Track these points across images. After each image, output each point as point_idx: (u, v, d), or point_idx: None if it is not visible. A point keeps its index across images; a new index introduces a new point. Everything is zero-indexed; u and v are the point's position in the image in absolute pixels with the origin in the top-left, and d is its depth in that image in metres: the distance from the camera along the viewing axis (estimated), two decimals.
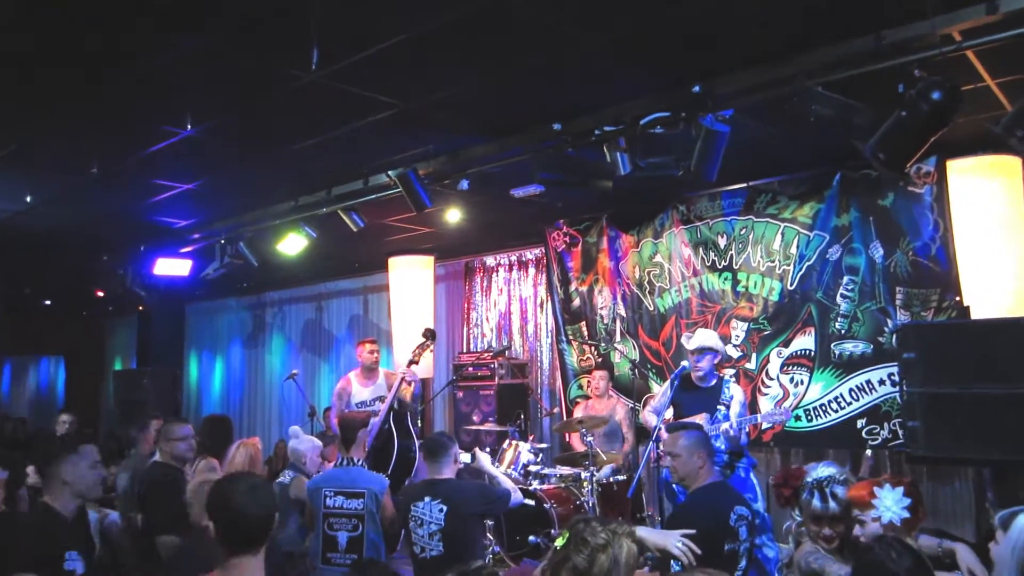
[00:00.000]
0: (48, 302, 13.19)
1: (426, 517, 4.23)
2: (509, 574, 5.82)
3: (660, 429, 5.79)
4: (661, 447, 5.69)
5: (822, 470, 3.22)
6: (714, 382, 5.83)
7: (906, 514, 2.86)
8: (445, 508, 4.21)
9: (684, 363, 6.36)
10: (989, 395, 3.78)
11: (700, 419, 5.39)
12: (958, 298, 5.82)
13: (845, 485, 3.16)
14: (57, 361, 16.10)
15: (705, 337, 5.96)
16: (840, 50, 4.17)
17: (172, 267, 8.78)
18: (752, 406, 6.74)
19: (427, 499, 4.27)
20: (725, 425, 5.51)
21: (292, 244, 7.40)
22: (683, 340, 6.52)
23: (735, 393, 5.79)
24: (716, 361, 5.89)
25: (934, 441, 3.95)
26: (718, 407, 5.64)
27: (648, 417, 6.19)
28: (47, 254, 9.50)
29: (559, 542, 2.30)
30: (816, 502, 3.13)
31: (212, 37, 4.03)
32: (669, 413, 5.89)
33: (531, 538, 6.07)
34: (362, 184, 6.57)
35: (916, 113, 3.89)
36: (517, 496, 4.55)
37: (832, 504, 3.11)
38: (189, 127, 5.30)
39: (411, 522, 4.27)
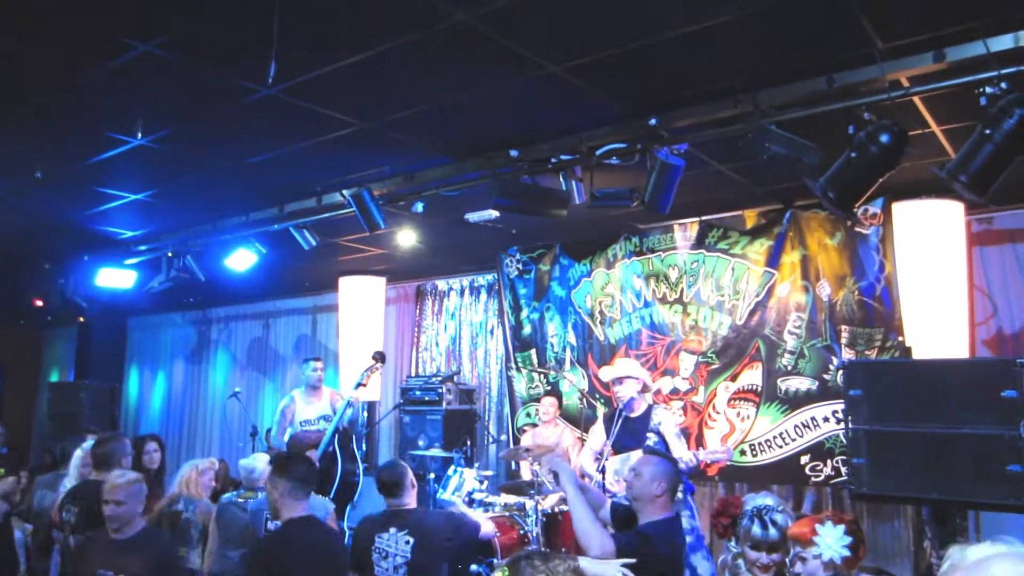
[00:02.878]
0: None
1: (391, 549, 4.08)
2: None
3: (601, 474, 5.77)
4: (607, 480, 5.69)
5: (761, 500, 3.23)
6: (642, 410, 5.86)
7: (847, 552, 2.86)
8: (412, 540, 4.06)
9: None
10: (933, 434, 3.82)
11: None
12: (901, 338, 5.94)
13: (784, 514, 3.18)
14: None
15: (623, 365, 6.03)
16: (793, 90, 4.26)
17: (115, 278, 8.54)
18: (698, 439, 6.78)
19: (392, 530, 4.12)
20: (683, 457, 5.55)
21: (241, 260, 7.26)
22: (602, 371, 6.55)
23: (663, 419, 5.83)
24: (638, 387, 5.92)
25: (878, 479, 3.98)
26: (647, 434, 5.68)
27: (585, 461, 6.18)
28: None
29: None
30: (756, 528, 3.13)
31: (166, 44, 3.95)
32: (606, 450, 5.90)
33: (472, 567, 5.97)
34: (315, 202, 6.50)
35: (865, 155, 3.99)
36: (488, 529, 4.47)
37: (772, 531, 3.11)
38: (140, 136, 5.18)
39: (374, 554, 4.12)
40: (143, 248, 8.23)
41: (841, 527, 2.90)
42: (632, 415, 5.87)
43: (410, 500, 4.31)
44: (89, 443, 5.27)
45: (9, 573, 6.10)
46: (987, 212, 6.07)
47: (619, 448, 5.81)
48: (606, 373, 6.06)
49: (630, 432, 5.75)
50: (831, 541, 2.87)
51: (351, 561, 4.26)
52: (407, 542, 4.07)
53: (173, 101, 4.72)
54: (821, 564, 2.90)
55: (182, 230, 7.74)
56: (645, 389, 6.11)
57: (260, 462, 5.28)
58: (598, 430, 6.20)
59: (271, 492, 3.83)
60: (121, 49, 3.99)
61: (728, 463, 6.49)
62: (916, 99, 4.31)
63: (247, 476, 5.27)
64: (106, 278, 8.44)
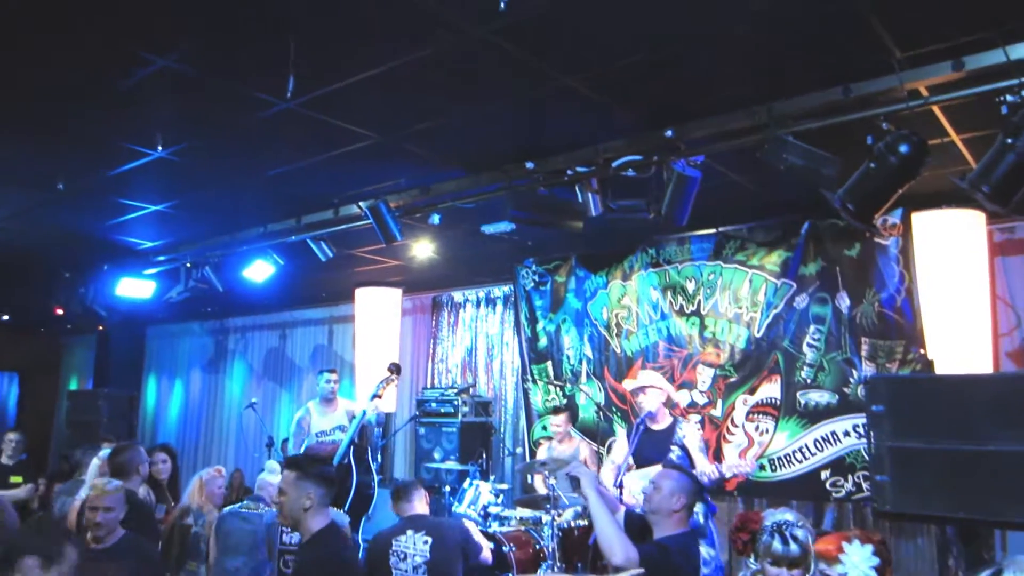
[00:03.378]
0: (6, 317, 12.88)
1: (410, 550, 4.14)
2: None
3: (622, 488, 5.74)
4: (624, 495, 5.64)
5: (780, 515, 3.17)
6: (667, 423, 5.81)
7: (873, 574, 2.80)
8: (430, 540, 4.15)
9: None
10: (958, 452, 3.75)
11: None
12: (923, 351, 5.86)
13: (805, 529, 3.12)
14: (11, 377, 15.69)
15: (646, 376, 5.99)
16: (810, 101, 4.22)
17: (135, 288, 8.61)
18: (716, 453, 6.71)
19: (409, 532, 4.22)
20: (706, 471, 5.52)
21: (259, 271, 7.29)
22: (625, 383, 6.52)
23: (688, 432, 5.78)
24: (662, 399, 5.88)
25: (901, 496, 3.91)
26: (671, 447, 5.62)
27: (606, 475, 6.13)
28: (7, 268, 9.28)
29: None
30: (777, 544, 3.05)
31: (185, 58, 3.98)
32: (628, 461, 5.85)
33: None
34: (332, 214, 6.52)
35: (885, 165, 3.94)
36: (486, 555, 4.51)
37: (793, 546, 3.03)
38: (160, 148, 5.22)
39: (392, 557, 4.18)
40: (162, 258, 8.28)
41: (869, 547, 2.83)
42: (655, 428, 5.81)
43: (422, 507, 4.39)
44: (106, 452, 5.29)
45: None
46: (1009, 221, 5.98)
47: (641, 461, 5.75)
48: (630, 384, 6.03)
49: (653, 445, 5.69)
50: (857, 560, 2.80)
51: (365, 572, 4.29)
52: (425, 542, 4.13)
53: (192, 114, 4.76)
54: None
55: (201, 241, 7.79)
56: (668, 402, 6.07)
57: (277, 477, 5.28)
58: (621, 444, 6.15)
59: (297, 500, 3.37)
60: (141, 63, 4.02)
61: (748, 478, 6.42)
62: (935, 108, 4.26)
63: (260, 488, 5.28)
64: (126, 288, 8.51)
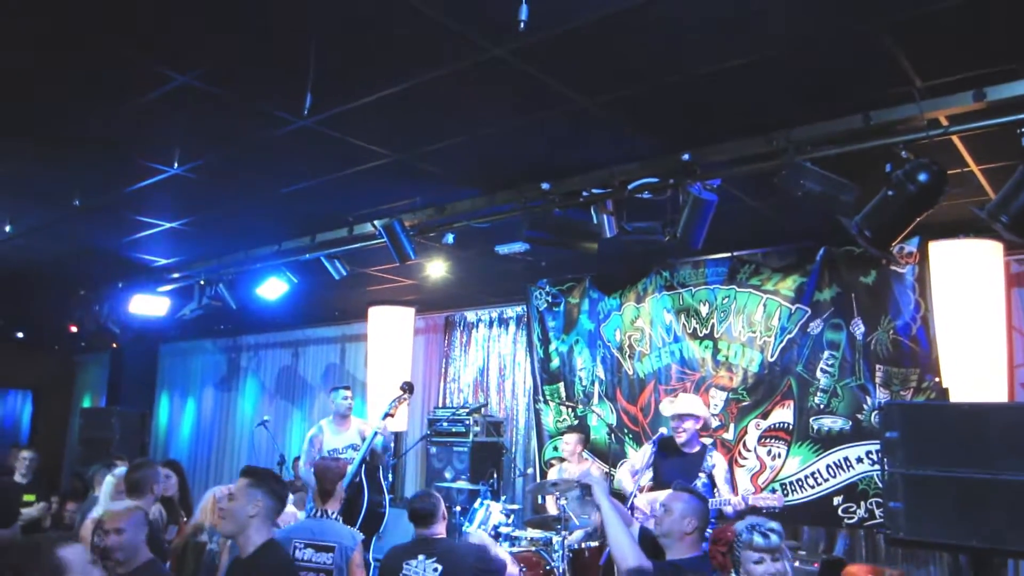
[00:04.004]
0: (20, 335, 12.95)
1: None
2: None
3: (634, 496, 5.71)
4: (637, 512, 5.60)
5: (749, 520, 3.18)
6: (697, 448, 5.76)
7: None
8: (440, 568, 4.08)
9: (662, 430, 6.29)
10: (973, 480, 3.72)
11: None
12: (937, 379, 5.81)
13: (775, 523, 3.13)
14: (25, 395, 15.75)
15: (688, 402, 5.95)
16: (829, 128, 4.22)
17: (149, 305, 8.65)
18: (729, 476, 6.66)
19: (421, 557, 4.15)
20: (731, 500, 5.45)
21: (273, 288, 7.32)
22: (663, 405, 6.46)
23: (717, 462, 5.74)
24: (698, 427, 5.84)
25: (915, 524, 3.88)
26: (699, 474, 5.57)
27: (623, 476, 6.10)
28: (22, 285, 9.35)
29: None
30: (758, 538, 3.05)
31: (204, 76, 4.02)
32: (647, 478, 5.80)
33: None
34: (347, 232, 6.55)
35: (903, 193, 3.94)
36: (512, 571, 4.39)
37: (773, 537, 3.06)
38: (176, 165, 5.28)
39: None
40: (176, 276, 8.34)
41: None
42: (686, 452, 5.77)
43: (440, 530, 4.31)
44: (121, 470, 5.29)
45: None
46: None
47: (665, 484, 5.69)
48: (667, 407, 5.97)
49: (681, 468, 5.64)
50: None
51: None
52: (435, 569, 4.07)
53: (209, 131, 4.80)
54: None
55: (215, 258, 7.83)
56: (705, 428, 6.03)
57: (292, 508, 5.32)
58: (644, 452, 6.07)
59: (244, 507, 3.37)
60: (160, 80, 4.07)
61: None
62: (955, 138, 4.26)
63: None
64: (139, 305, 8.55)
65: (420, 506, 4.37)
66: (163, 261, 8.19)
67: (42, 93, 4.34)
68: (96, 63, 3.94)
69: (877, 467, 5.89)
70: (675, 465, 5.67)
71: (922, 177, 3.88)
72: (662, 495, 5.63)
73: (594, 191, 5.15)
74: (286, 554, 3.70)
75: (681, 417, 5.78)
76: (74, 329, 9.58)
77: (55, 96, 4.36)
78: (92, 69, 4.01)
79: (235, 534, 3.48)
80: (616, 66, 3.82)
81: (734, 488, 6.14)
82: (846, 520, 6.15)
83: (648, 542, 3.82)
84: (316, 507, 4.59)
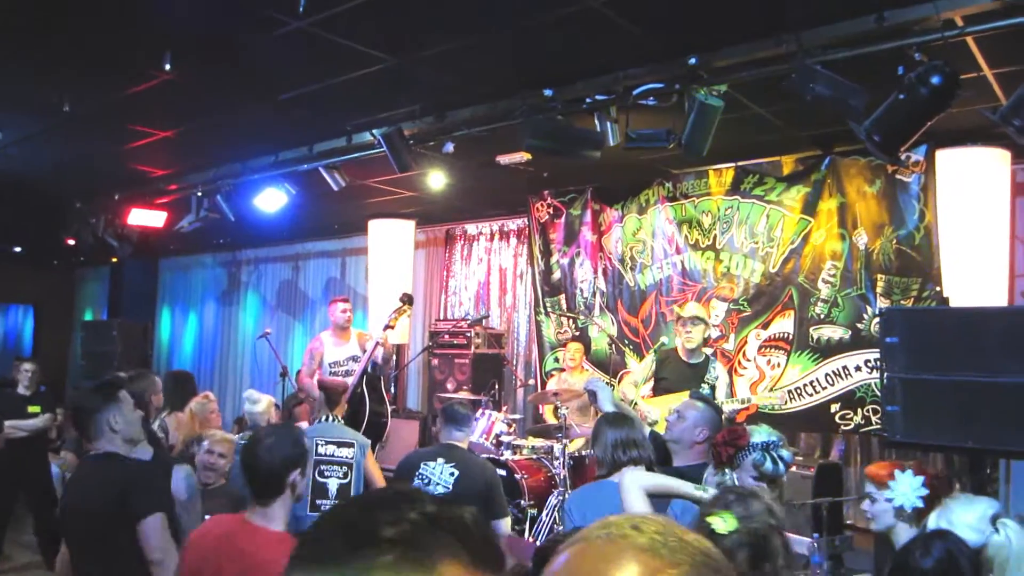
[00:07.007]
0: (18, 249, 12.92)
1: (434, 477, 4.19)
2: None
3: (635, 404, 5.78)
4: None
5: (763, 434, 3.16)
6: (702, 359, 5.80)
7: (920, 504, 2.81)
8: (456, 473, 4.18)
9: (663, 339, 6.33)
10: (970, 383, 3.75)
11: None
12: (938, 288, 5.82)
13: (787, 450, 3.14)
14: (26, 310, 15.82)
15: (698, 307, 5.96)
16: (841, 29, 4.11)
17: (147, 218, 8.59)
18: (728, 387, 6.73)
19: (440, 460, 4.25)
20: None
21: (271, 200, 7.24)
22: (675, 308, 6.47)
23: (720, 373, 5.78)
24: (705, 335, 5.85)
25: (911, 426, 3.94)
26: (703, 384, 5.63)
27: (626, 387, 6.16)
28: (18, 199, 9.26)
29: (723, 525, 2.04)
30: (769, 464, 3.06)
31: None
32: (648, 388, 5.86)
33: None
34: (345, 142, 6.43)
35: (914, 96, 3.85)
36: (506, 527, 4.47)
37: (781, 467, 3.07)
38: (167, 67, 5.10)
39: (416, 480, 4.22)
40: (173, 187, 8.24)
41: (920, 478, 2.85)
42: (691, 362, 5.80)
43: (464, 443, 4.43)
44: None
45: (49, 508, 6.26)
46: None
47: (669, 390, 5.74)
48: (679, 311, 5.98)
49: (687, 378, 5.68)
50: (906, 489, 2.82)
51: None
52: (451, 474, 4.17)
53: (201, 31, 4.62)
54: (892, 508, 2.87)
55: (212, 169, 7.73)
56: (709, 337, 6.07)
57: (259, 407, 5.58)
58: (646, 363, 6.12)
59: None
60: None
61: (759, 409, 6.46)
62: (969, 40, 4.13)
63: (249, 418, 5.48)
64: (137, 217, 8.49)
65: (457, 408, 4.54)
66: (159, 172, 8.08)
67: None
68: None
69: (875, 375, 5.96)
70: (679, 374, 5.71)
71: (935, 80, 3.78)
72: (660, 401, 5.71)
73: (598, 97, 5.04)
74: None
75: (694, 320, 5.76)
76: (71, 242, 9.52)
77: None
78: None
79: None
80: None
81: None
82: (843, 427, 6.26)
83: (659, 446, 3.87)
84: (326, 414, 4.79)
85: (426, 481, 4.18)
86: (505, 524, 4.45)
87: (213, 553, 2.51)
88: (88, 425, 3.20)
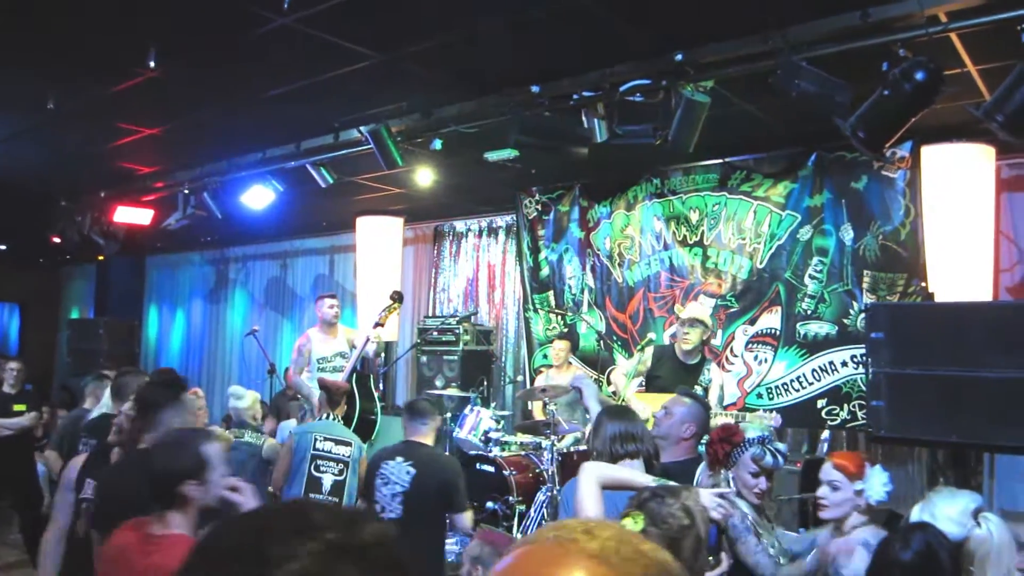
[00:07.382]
0: (3, 247, 12.83)
1: (393, 476, 4.20)
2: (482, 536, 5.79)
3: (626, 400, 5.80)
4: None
5: (756, 429, 3.21)
6: (698, 360, 5.80)
7: (885, 499, 2.89)
8: (413, 472, 4.17)
9: (651, 335, 6.34)
10: (953, 377, 3.79)
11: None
12: (924, 284, 5.86)
13: (781, 444, 3.21)
14: (12, 308, 15.72)
15: (699, 310, 5.97)
16: (826, 25, 4.13)
17: (133, 215, 8.54)
18: (721, 392, 6.76)
19: (399, 459, 4.26)
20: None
21: (258, 197, 7.21)
22: (687, 309, 6.46)
23: (714, 376, 5.80)
24: (704, 338, 5.87)
25: (896, 421, 3.97)
26: (696, 386, 5.64)
27: (617, 379, 6.18)
28: (2, 196, 9.18)
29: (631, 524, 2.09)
30: (768, 458, 3.09)
31: None
32: (638, 383, 5.88)
33: (488, 504, 6.05)
34: (333, 139, 6.42)
35: (899, 92, 3.88)
36: (467, 523, 4.43)
37: (780, 459, 3.12)
38: (152, 64, 5.07)
39: (377, 479, 4.24)
40: (160, 185, 8.20)
41: (887, 474, 2.94)
42: (687, 362, 5.81)
43: (427, 439, 4.41)
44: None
45: (35, 506, 6.24)
46: (1019, 157, 5.92)
47: (663, 388, 5.75)
48: (680, 312, 5.97)
49: (681, 379, 5.69)
50: (877, 484, 2.89)
51: (363, 488, 4.46)
52: (408, 472, 4.17)
53: (187, 29, 4.61)
54: (853, 499, 2.92)
55: (198, 166, 7.70)
56: (708, 339, 6.08)
57: (244, 402, 5.55)
58: (646, 357, 6.11)
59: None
60: None
61: (745, 404, 6.50)
62: (953, 36, 4.16)
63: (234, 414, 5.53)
64: (124, 215, 8.44)
65: (414, 403, 4.61)
66: (146, 170, 8.04)
67: None
68: None
69: (861, 370, 5.99)
70: (675, 374, 5.73)
71: (919, 75, 3.81)
72: (652, 398, 5.73)
73: (585, 94, 5.05)
74: None
75: (693, 322, 5.77)
76: (57, 240, 9.46)
77: None
78: None
79: None
80: None
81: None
82: (829, 421, 6.29)
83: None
84: (326, 412, 4.95)
85: (385, 480, 4.21)
86: (466, 518, 4.45)
87: (111, 566, 2.46)
88: (150, 418, 3.24)
